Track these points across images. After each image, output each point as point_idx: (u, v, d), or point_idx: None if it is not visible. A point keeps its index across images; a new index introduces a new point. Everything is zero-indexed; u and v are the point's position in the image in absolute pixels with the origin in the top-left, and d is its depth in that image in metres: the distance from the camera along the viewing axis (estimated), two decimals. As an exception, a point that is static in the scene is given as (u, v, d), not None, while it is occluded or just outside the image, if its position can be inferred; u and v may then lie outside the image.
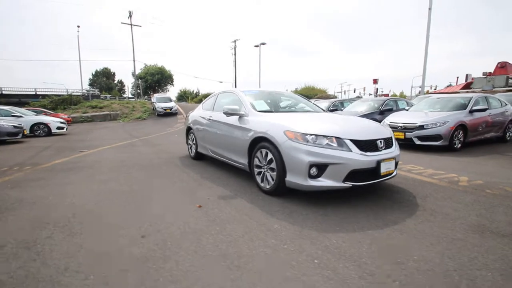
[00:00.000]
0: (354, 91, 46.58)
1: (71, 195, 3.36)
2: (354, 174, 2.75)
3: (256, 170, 3.41)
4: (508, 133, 7.18)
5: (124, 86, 62.89)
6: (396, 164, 3.15)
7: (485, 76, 21.36)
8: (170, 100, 21.23)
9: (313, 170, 2.73)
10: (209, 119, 4.66)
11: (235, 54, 36.71)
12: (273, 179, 3.12)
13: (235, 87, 38.58)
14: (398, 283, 1.61)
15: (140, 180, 4.04)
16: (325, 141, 2.78)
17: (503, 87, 18.34)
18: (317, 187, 2.75)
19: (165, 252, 1.98)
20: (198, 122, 5.16)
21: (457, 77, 31.28)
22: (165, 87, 35.16)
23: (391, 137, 3.21)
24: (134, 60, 31.35)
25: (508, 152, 5.88)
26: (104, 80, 53.80)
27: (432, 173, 4.21)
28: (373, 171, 2.82)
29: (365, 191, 3.25)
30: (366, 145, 2.86)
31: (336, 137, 2.80)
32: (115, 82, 61.22)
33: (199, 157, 5.36)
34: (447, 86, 29.31)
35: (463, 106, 6.49)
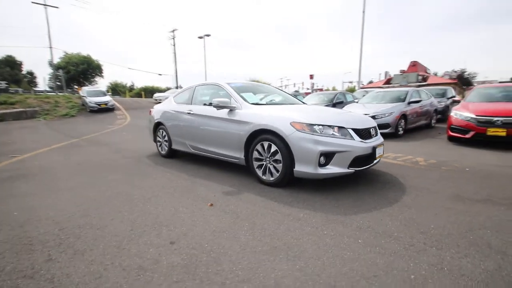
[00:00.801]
0: (294, 86, 49.33)
1: (42, 207, 2.79)
2: (355, 160, 3.00)
3: (256, 164, 3.39)
4: (432, 121, 8.70)
5: (35, 78, 53.14)
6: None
7: (401, 73, 25.19)
8: (105, 94, 18.89)
9: (322, 159, 2.88)
10: (189, 113, 4.39)
11: (174, 45, 34.73)
12: (277, 171, 3.17)
13: (176, 80, 36.66)
14: (435, 248, 1.87)
15: (123, 182, 3.59)
16: (331, 131, 2.95)
17: (415, 82, 22.03)
18: (325, 175, 2.91)
19: (210, 254, 1.86)
20: (171, 116, 4.80)
21: (379, 74, 36.01)
22: (92, 79, 30.87)
23: (376, 126, 3.59)
24: (51, 47, 26.72)
25: (438, 136, 7.15)
26: (7, 71, 44.28)
27: (394, 156, 4.86)
28: (370, 156, 3.12)
29: (355, 176, 3.56)
30: (364, 133, 3.14)
31: (340, 127, 3.00)
32: (23, 73, 51.14)
33: (172, 154, 5.01)
34: (369, 83, 33.71)
35: (402, 99, 7.59)
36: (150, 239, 2.09)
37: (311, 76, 49.49)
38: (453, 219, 2.32)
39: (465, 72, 41.59)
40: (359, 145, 2.98)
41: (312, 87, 50.74)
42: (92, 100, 17.59)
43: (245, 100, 3.75)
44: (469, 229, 2.14)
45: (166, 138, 5.00)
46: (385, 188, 3.14)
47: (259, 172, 3.38)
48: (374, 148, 3.13)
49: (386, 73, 32.76)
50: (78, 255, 1.89)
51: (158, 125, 5.25)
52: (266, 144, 3.23)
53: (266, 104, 3.90)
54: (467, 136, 5.52)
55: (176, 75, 36.87)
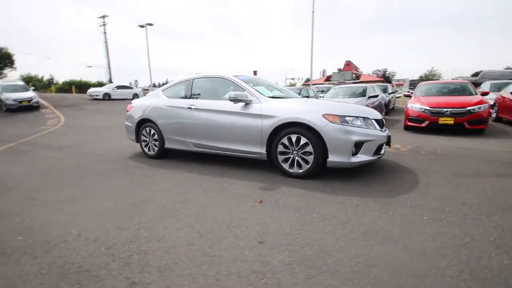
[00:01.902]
0: None
1: (49, 226, 2.28)
2: (377, 148, 3.28)
3: (281, 157, 3.39)
4: (383, 113, 9.93)
5: None
6: None
7: (338, 71, 27.79)
8: (27, 89, 15.71)
9: (353, 148, 3.07)
10: (190, 108, 4.07)
11: (105, 33, 31.04)
12: (307, 163, 3.23)
13: (110, 73, 32.89)
14: (483, 215, 2.23)
15: (132, 188, 3.16)
16: (359, 122, 3.16)
17: (350, 80, 24.65)
18: (356, 163, 3.11)
19: (313, 248, 1.83)
20: (164, 113, 4.38)
21: (320, 72, 39.02)
22: (0, 71, 25.02)
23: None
24: None
25: (393, 126, 8.21)
26: None
27: (376, 144, 5.43)
28: (386, 144, 3.45)
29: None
30: (380, 123, 3.45)
31: (365, 117, 3.23)
32: None
33: (162, 155, 4.58)
34: (307, 80, 36.41)
35: (362, 94, 8.46)
36: (235, 242, 1.94)
37: (255, 73, 50.44)
38: (472, 191, 2.77)
39: (386, 71, 48.60)
40: (380, 134, 3.27)
41: None
42: (9, 97, 14.48)
43: (261, 93, 3.68)
44: (490, 197, 2.60)
45: (155, 137, 4.54)
46: (398, 171, 3.52)
47: (285, 166, 3.39)
48: (389, 137, 3.47)
49: (324, 71, 35.96)
50: (167, 271, 1.64)
51: (142, 123, 4.72)
52: (294, 137, 3.26)
53: (281, 98, 3.90)
54: (423, 125, 6.52)
55: (109, 68, 33.14)
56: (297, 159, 3.31)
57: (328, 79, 28.45)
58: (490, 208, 2.38)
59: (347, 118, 3.11)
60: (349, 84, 10.91)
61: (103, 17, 31.63)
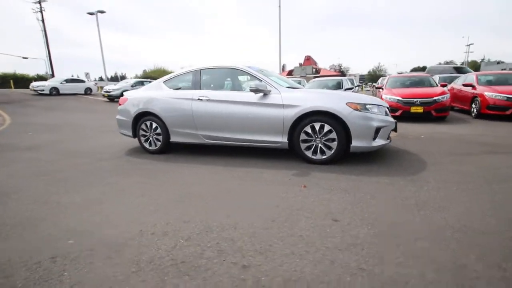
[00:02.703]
0: None
1: (98, 225, 2.10)
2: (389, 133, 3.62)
3: (304, 145, 3.53)
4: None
5: None
6: None
7: (300, 66, 28.79)
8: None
9: (374, 134, 3.35)
10: (200, 99, 3.96)
11: (43, 20, 27.46)
12: (329, 149, 3.43)
13: (51, 65, 29.30)
14: (494, 184, 2.66)
15: (156, 184, 3.01)
16: (375, 109, 3.45)
17: (311, 74, 25.82)
18: (376, 147, 3.40)
19: (383, 220, 2.02)
20: (169, 105, 4.17)
21: (281, 66, 39.74)
22: None
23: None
24: None
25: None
26: None
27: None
28: (393, 130, 3.82)
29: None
30: (388, 111, 3.79)
31: (379, 105, 3.52)
32: None
33: (165, 149, 4.39)
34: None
35: (338, 86, 9.01)
36: (311, 222, 2.03)
37: None
38: (475, 166, 3.26)
39: (341, 66, 52.08)
40: (392, 120, 3.61)
41: None
42: None
43: (280, 84, 3.75)
44: (489, 169, 3.09)
45: (158, 131, 4.31)
46: (401, 154, 3.92)
47: (308, 153, 3.53)
48: (396, 123, 3.84)
49: (284, 65, 36.91)
50: (269, 253, 1.66)
51: (141, 117, 4.44)
52: (317, 125, 3.42)
53: (295, 88, 4.00)
54: (397, 114, 7.24)
55: (50, 59, 29.52)
56: (320, 146, 3.48)
57: (290, 73, 29.41)
58: (494, 178, 2.85)
59: (367, 106, 3.37)
60: (326, 78, 11.48)
61: (39, 1, 27.81)
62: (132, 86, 18.79)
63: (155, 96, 4.33)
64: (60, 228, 2.10)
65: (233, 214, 2.21)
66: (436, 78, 12.04)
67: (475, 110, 7.50)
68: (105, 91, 17.40)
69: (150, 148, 4.46)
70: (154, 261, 1.64)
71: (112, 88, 17.57)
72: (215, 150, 4.40)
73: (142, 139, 4.50)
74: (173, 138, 4.27)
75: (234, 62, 4.20)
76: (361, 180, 2.91)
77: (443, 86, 8.00)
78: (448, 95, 7.10)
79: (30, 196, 2.78)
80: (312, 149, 3.52)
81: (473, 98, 7.60)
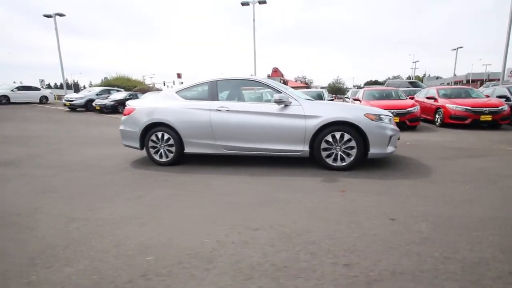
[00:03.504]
0: (164, 84, 46.30)
1: (173, 239, 2.07)
2: (395, 141, 4.05)
3: (325, 153, 3.78)
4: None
5: None
6: None
7: (268, 77, 29.70)
8: None
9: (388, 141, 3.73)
10: (220, 110, 4.01)
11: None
12: (349, 156, 3.72)
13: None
14: (489, 183, 3.17)
15: (194, 196, 2.99)
16: (387, 119, 3.84)
17: (280, 85, 26.90)
18: (389, 153, 3.79)
19: (435, 215, 2.31)
20: (185, 115, 4.13)
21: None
22: None
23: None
24: None
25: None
26: None
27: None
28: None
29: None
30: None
31: (388, 116, 3.93)
32: None
33: (177, 161, 4.31)
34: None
35: (320, 97, 9.60)
36: (372, 222, 2.23)
37: (179, 75, 48.63)
38: (467, 167, 3.81)
39: (306, 78, 54.89)
40: (398, 129, 4.05)
41: None
42: None
43: (299, 96, 3.98)
44: (479, 171, 3.65)
45: (170, 142, 4.23)
46: (398, 160, 4.39)
47: (329, 160, 3.79)
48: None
49: (252, 75, 37.71)
50: (360, 252, 1.82)
51: (151, 128, 4.30)
52: (338, 134, 3.70)
53: (309, 99, 4.26)
54: (377, 123, 7.95)
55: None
56: (340, 154, 3.76)
57: (259, 84, 30.37)
58: (489, 177, 3.38)
59: (381, 117, 3.75)
60: (308, 90, 12.10)
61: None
62: (97, 94, 17.62)
63: (169, 106, 4.26)
64: (117, 243, 2.00)
65: (299, 220, 2.32)
66: (398, 91, 13.45)
67: (439, 120, 8.58)
68: (66, 100, 16.04)
69: (161, 160, 4.33)
70: (257, 268, 1.69)
71: (75, 96, 16.30)
72: (228, 161, 4.43)
73: (152, 150, 4.35)
74: (188, 149, 4.22)
75: (242, 74, 4.32)
76: (387, 183, 3.23)
77: (412, 98, 9.04)
78: (418, 107, 8.05)
79: (53, 214, 2.57)
80: (333, 156, 3.78)
81: (436, 110, 8.70)
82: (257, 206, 2.67)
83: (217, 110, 4.03)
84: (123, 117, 4.58)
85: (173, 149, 4.25)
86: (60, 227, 2.31)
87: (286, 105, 3.86)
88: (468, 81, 44.50)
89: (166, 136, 4.24)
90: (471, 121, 7.76)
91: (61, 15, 19.43)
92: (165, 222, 2.37)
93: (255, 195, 2.97)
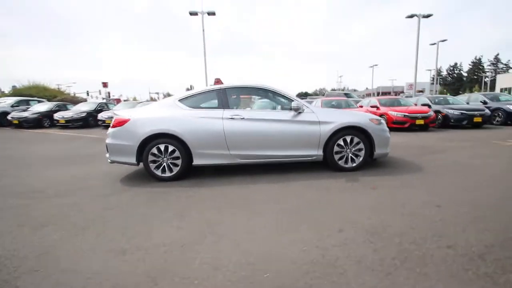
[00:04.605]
0: (88, 94, 40.82)
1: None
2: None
3: (337, 156, 4.04)
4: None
5: None
6: None
7: (212, 88, 29.49)
8: None
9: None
10: (233, 118, 3.89)
11: None
12: (357, 157, 4.08)
13: None
14: (493, 158, 3.94)
15: (240, 209, 2.85)
16: (384, 122, 4.36)
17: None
18: (387, 153, 4.28)
19: (469, 202, 2.74)
20: (194, 125, 3.86)
21: (187, 87, 39.25)
22: None
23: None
24: None
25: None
26: None
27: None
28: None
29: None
30: (382, 125, 4.82)
31: (384, 120, 4.46)
32: None
33: (183, 175, 3.97)
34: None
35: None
36: (424, 213, 2.52)
37: (105, 84, 44.28)
38: (442, 161, 4.59)
39: None
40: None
41: (109, 96, 45.70)
42: None
43: (310, 103, 4.17)
44: (455, 161, 4.46)
45: (175, 155, 3.88)
46: (389, 160, 5.01)
47: (341, 162, 4.06)
48: (385, 134, 4.89)
49: (191, 86, 37.12)
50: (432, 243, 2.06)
51: (151, 140, 3.87)
52: (349, 138, 4.02)
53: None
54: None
55: None
56: (350, 156, 4.08)
57: (202, 95, 30.00)
58: (468, 166, 4.18)
59: (381, 121, 4.24)
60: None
61: None
62: (12, 106, 14.59)
63: (172, 115, 3.91)
64: (222, 264, 1.79)
65: (371, 216, 2.45)
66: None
67: (383, 124, 10.02)
68: None
69: (164, 175, 3.90)
70: (387, 263, 1.74)
71: None
72: (220, 171, 4.29)
73: (152, 165, 3.89)
74: (197, 161, 3.93)
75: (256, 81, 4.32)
76: (401, 178, 3.66)
77: (361, 107, 10.34)
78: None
79: (88, 250, 2.11)
80: (344, 159, 4.07)
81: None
82: (310, 209, 2.70)
83: (230, 118, 3.90)
84: (112, 130, 3.98)
85: (178, 162, 3.89)
86: (124, 262, 1.90)
87: (299, 112, 4.00)
88: (378, 93, 53.03)
89: (170, 148, 3.86)
90: (409, 125, 9.31)
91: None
92: (240, 237, 2.19)
93: (295, 199, 2.98)
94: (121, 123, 3.93)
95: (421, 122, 9.24)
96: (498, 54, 70.72)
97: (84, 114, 13.84)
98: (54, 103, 16.04)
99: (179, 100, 4.08)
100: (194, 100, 4.11)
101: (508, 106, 10.35)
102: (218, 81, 33.58)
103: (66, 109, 15.70)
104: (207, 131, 3.87)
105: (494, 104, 10.79)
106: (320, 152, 4.02)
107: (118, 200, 3.16)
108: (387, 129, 4.31)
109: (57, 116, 13.60)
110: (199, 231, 2.32)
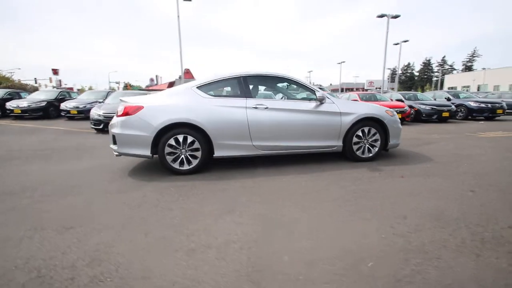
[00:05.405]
0: (36, 82, 36.27)
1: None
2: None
3: (355, 147, 4.13)
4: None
5: None
6: None
7: (180, 78, 28.25)
8: None
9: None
10: (256, 107, 3.74)
11: None
12: (374, 148, 4.21)
13: None
14: (478, 147, 4.31)
15: (281, 203, 2.76)
16: (395, 113, 4.54)
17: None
18: (399, 144, 4.48)
19: (496, 187, 2.98)
20: (216, 114, 3.63)
21: (155, 77, 37.34)
22: None
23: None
24: None
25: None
26: None
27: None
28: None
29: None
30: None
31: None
32: None
33: (201, 168, 3.74)
34: (147, 86, 34.26)
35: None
36: (462, 200, 2.69)
37: (55, 71, 40.21)
38: (436, 151, 4.95)
39: None
40: (397, 123, 4.84)
41: (60, 84, 41.61)
42: None
43: (331, 94, 4.17)
44: (446, 150, 4.84)
45: (194, 146, 3.63)
46: (395, 150, 5.26)
47: (359, 153, 4.16)
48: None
49: (157, 76, 35.23)
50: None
51: (168, 130, 3.56)
52: (367, 129, 4.12)
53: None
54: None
55: None
56: (367, 147, 4.19)
57: (171, 85, 28.43)
58: (459, 155, 4.56)
59: (394, 113, 4.41)
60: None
61: None
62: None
63: (192, 103, 3.63)
64: (316, 259, 1.71)
65: (423, 202, 2.53)
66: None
67: (365, 118, 10.53)
68: None
69: (182, 168, 3.64)
70: (468, 244, 1.80)
71: None
72: (233, 164, 4.17)
73: (169, 158, 3.59)
74: (218, 153, 3.72)
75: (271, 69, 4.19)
76: (418, 167, 3.86)
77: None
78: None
79: (136, 249, 1.88)
80: (361, 149, 4.18)
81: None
82: (360, 198, 2.71)
83: (254, 108, 3.75)
84: (120, 118, 3.58)
85: (198, 153, 3.65)
86: (203, 262, 1.71)
87: (321, 103, 3.98)
88: (342, 89, 55.63)
89: (190, 139, 3.59)
90: (388, 119, 9.92)
91: None
92: (311, 229, 2.11)
93: (332, 191, 2.97)
94: (133, 110, 3.55)
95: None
96: (444, 56, 78.65)
97: (44, 104, 12.32)
98: (5, 90, 14.04)
99: (197, 87, 3.80)
100: (213, 87, 3.87)
101: (469, 102, 11.54)
102: (187, 72, 32.36)
103: (20, 97, 13.86)
104: (230, 120, 3.67)
105: (457, 101, 11.95)
106: (340, 143, 4.07)
107: (142, 196, 2.86)
108: (399, 120, 4.50)
109: (10, 105, 11.94)
110: (262, 224, 2.19)
